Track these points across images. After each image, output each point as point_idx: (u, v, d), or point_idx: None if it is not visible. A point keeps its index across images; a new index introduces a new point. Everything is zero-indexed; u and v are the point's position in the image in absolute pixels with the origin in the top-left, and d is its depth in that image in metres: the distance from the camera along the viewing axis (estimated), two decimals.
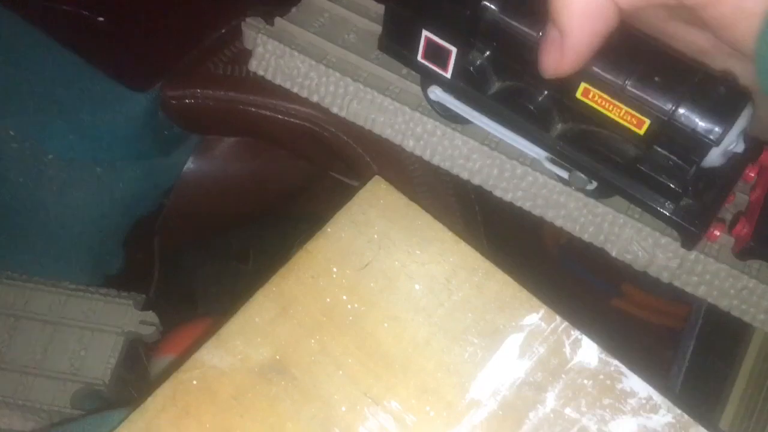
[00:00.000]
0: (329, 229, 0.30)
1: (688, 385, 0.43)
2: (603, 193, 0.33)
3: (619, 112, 0.28)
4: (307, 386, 0.27)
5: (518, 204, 0.36)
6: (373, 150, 0.38)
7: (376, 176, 0.31)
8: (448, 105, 0.33)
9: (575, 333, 0.28)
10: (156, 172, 0.45)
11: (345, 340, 0.28)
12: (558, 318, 0.29)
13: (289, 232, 0.49)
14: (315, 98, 0.38)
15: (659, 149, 0.29)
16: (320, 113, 0.38)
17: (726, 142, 0.27)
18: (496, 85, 0.32)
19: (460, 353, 0.28)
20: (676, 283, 0.34)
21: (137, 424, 0.27)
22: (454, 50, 0.31)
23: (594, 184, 0.32)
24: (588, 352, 0.28)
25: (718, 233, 0.33)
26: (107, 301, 0.42)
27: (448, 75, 0.32)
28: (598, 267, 0.47)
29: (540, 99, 0.31)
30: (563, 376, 0.28)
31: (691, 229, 0.31)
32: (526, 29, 0.29)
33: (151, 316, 0.43)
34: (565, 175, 0.33)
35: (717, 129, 0.27)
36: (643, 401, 0.27)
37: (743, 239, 0.32)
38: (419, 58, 0.32)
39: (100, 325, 0.42)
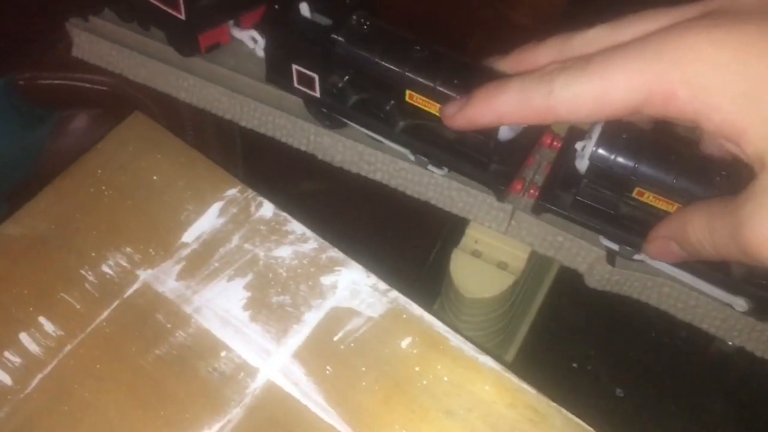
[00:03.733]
0: (99, 145, 0.44)
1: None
2: (438, 166, 0.42)
3: (434, 108, 0.38)
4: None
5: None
6: (158, 102, 0.51)
7: (135, 111, 0.45)
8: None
9: (259, 198, 0.42)
10: (20, 146, 0.58)
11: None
12: (249, 190, 0.42)
13: None
14: (118, 71, 0.51)
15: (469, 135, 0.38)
16: (122, 81, 0.51)
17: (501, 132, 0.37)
18: (353, 98, 0.41)
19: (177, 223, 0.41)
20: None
21: None
22: (316, 76, 0.41)
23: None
24: (266, 208, 0.41)
25: (519, 188, 0.41)
26: None
27: (317, 94, 0.42)
28: None
29: (385, 105, 0.40)
30: (246, 224, 0.41)
31: (498, 187, 0.40)
32: (365, 54, 0.38)
33: None
34: (412, 158, 0.43)
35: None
36: (299, 236, 0.40)
37: (533, 196, 0.41)
38: (295, 84, 0.42)
39: None
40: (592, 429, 0.34)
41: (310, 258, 0.39)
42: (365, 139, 0.44)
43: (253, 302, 0.38)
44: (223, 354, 0.37)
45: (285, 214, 0.41)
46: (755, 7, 0.28)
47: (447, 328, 0.37)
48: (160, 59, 0.50)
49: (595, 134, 0.36)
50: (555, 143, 0.42)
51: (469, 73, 0.37)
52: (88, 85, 0.52)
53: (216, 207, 0.41)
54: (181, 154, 0.43)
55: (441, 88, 0.37)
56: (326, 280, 0.39)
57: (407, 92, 0.38)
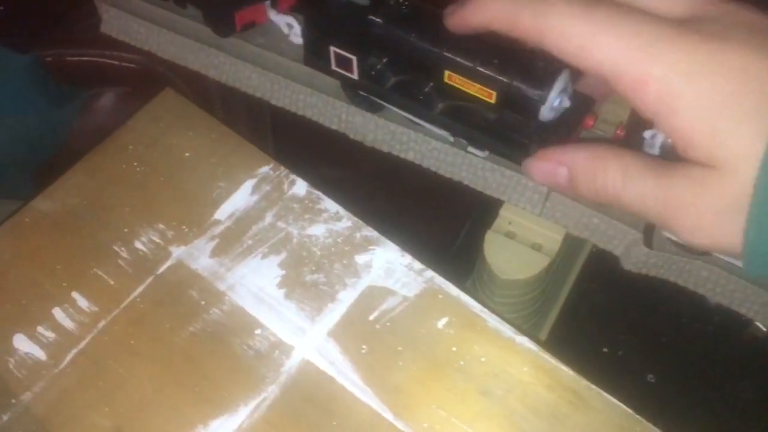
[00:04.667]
0: (130, 122, 0.43)
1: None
2: (479, 148, 0.41)
3: (474, 88, 0.37)
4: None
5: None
6: (187, 80, 0.51)
7: (167, 88, 0.44)
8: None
9: (292, 176, 0.41)
10: (48, 124, 0.58)
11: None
12: (282, 167, 0.41)
13: None
14: (146, 48, 0.51)
15: (508, 111, 0.37)
16: (151, 58, 0.51)
17: (550, 100, 0.35)
18: (391, 80, 0.41)
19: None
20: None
21: None
22: (354, 58, 0.40)
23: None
24: (299, 186, 0.41)
25: None
26: None
27: (355, 76, 0.41)
28: None
29: (423, 87, 0.40)
30: (279, 202, 0.40)
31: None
32: (403, 35, 0.37)
33: None
34: (451, 139, 0.42)
35: (540, 92, 0.35)
36: (333, 214, 0.40)
37: None
38: (333, 66, 0.42)
39: None
40: (632, 412, 0.34)
41: (344, 237, 0.39)
42: (399, 118, 0.43)
43: (288, 280, 0.38)
44: (257, 332, 0.36)
45: (318, 192, 0.41)
46: (744, 24, 0.29)
47: (484, 309, 0.37)
48: (190, 36, 0.49)
49: None
50: (619, 132, 0.40)
51: (510, 53, 0.36)
52: (116, 63, 0.52)
53: (249, 184, 0.41)
54: (212, 130, 0.43)
55: (481, 69, 0.36)
56: (361, 258, 0.38)
57: (446, 73, 0.38)
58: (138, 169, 0.42)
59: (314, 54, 0.42)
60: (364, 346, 0.36)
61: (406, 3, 0.38)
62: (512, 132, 0.38)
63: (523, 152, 0.39)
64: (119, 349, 0.36)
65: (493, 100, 0.36)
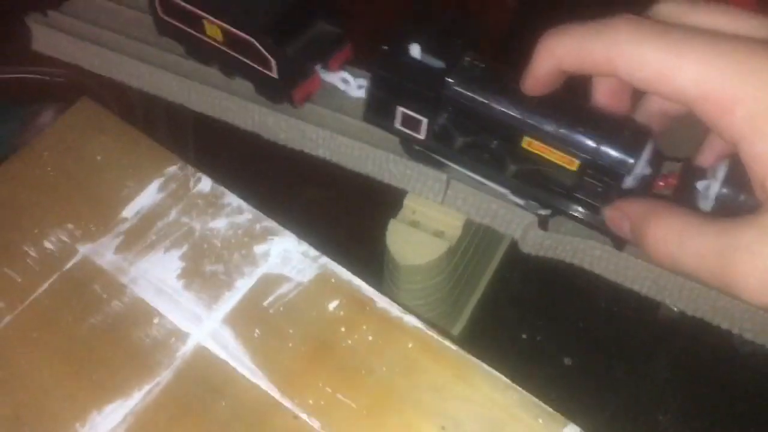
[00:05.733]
0: (48, 130, 0.45)
1: None
2: (553, 212, 0.40)
3: (555, 156, 0.36)
4: None
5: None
6: (112, 90, 0.52)
7: (83, 96, 0.46)
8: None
9: (199, 174, 0.43)
10: None
11: None
12: (189, 166, 0.43)
13: None
14: (74, 62, 0.53)
15: (589, 179, 0.36)
16: (78, 72, 0.53)
17: (636, 171, 0.34)
18: (459, 141, 0.40)
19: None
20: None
21: None
22: (425, 120, 0.39)
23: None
24: (205, 183, 0.42)
25: None
26: None
27: (422, 137, 0.40)
28: None
29: (493, 148, 0.39)
30: (185, 199, 0.42)
31: (618, 236, 0.37)
32: (480, 98, 0.36)
33: None
34: (522, 203, 0.41)
35: (628, 162, 0.34)
36: (235, 207, 0.41)
37: None
38: (397, 125, 0.40)
39: None
40: (511, 382, 0.35)
41: (244, 228, 0.40)
42: (462, 176, 0.42)
43: (188, 272, 0.39)
44: (155, 321, 0.38)
45: (223, 188, 0.42)
46: None
47: (374, 291, 0.38)
48: (115, 49, 0.51)
49: (721, 173, 0.33)
50: (670, 180, 0.37)
51: (593, 119, 0.35)
52: (47, 78, 0.54)
53: (156, 183, 0.42)
54: (125, 134, 0.45)
55: (565, 138, 0.35)
56: (259, 248, 0.40)
57: (525, 139, 0.36)
58: (51, 173, 0.43)
59: (376, 112, 0.41)
60: (257, 331, 0.37)
61: (482, 65, 0.37)
62: (591, 198, 0.37)
63: (597, 215, 0.38)
64: (22, 342, 0.37)
65: (574, 168, 0.36)
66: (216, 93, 0.48)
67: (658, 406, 0.46)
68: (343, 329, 0.37)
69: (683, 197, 0.35)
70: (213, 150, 0.52)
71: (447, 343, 0.36)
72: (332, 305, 0.37)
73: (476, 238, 0.47)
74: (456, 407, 0.34)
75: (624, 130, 0.34)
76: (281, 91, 0.44)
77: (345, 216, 0.54)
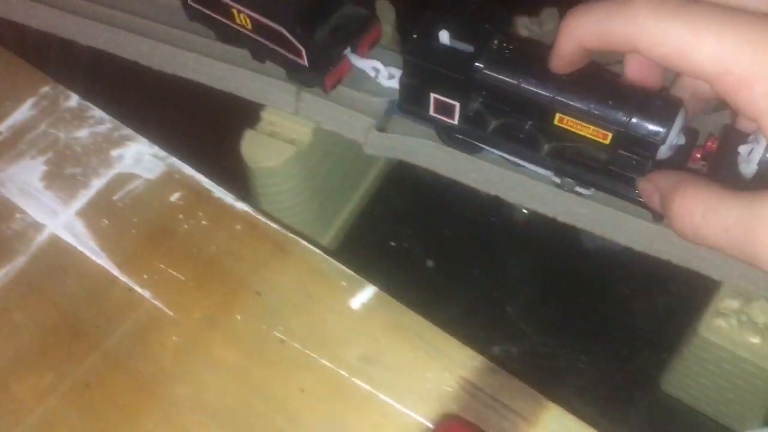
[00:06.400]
0: None
1: None
2: (587, 188, 0.40)
3: (588, 130, 0.36)
4: None
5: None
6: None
7: None
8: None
9: (69, 92, 0.47)
10: None
11: None
12: (60, 86, 0.47)
13: None
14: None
15: (623, 152, 0.36)
16: None
17: (669, 140, 0.35)
18: (493, 123, 0.40)
19: None
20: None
21: None
22: (457, 104, 0.40)
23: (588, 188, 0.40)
24: (73, 100, 0.46)
25: None
26: None
27: (456, 122, 0.41)
28: None
29: (527, 128, 0.39)
30: (54, 114, 0.46)
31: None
32: (510, 79, 0.37)
33: None
34: (558, 180, 0.41)
35: (661, 132, 0.34)
36: (98, 119, 0.45)
37: None
38: (431, 113, 0.41)
39: None
40: (326, 256, 0.39)
41: (104, 136, 0.45)
42: (496, 158, 0.43)
43: (50, 174, 0.43)
44: (17, 216, 0.42)
45: (88, 104, 0.46)
46: None
47: (213, 184, 0.42)
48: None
49: (765, 138, 0.33)
50: (710, 145, 0.37)
51: (622, 93, 0.36)
52: None
53: (30, 102, 0.47)
54: (3, 59, 0.49)
55: (596, 111, 0.36)
56: (115, 152, 0.44)
57: (557, 116, 0.37)
58: None
59: (411, 101, 0.42)
60: (105, 221, 0.41)
61: (510, 47, 0.38)
62: (626, 171, 0.38)
63: (634, 189, 0.38)
64: None
65: (607, 141, 0.36)
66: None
67: (508, 299, 0.49)
68: (180, 216, 0.41)
69: (723, 162, 0.35)
70: (103, 83, 0.56)
71: (272, 224, 0.40)
72: (174, 197, 0.42)
73: (345, 153, 0.51)
74: (272, 277, 0.38)
75: (655, 100, 0.35)
76: (315, 80, 0.44)
77: (208, 130, 0.56)
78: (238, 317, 0.37)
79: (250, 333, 0.37)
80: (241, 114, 0.48)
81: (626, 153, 0.37)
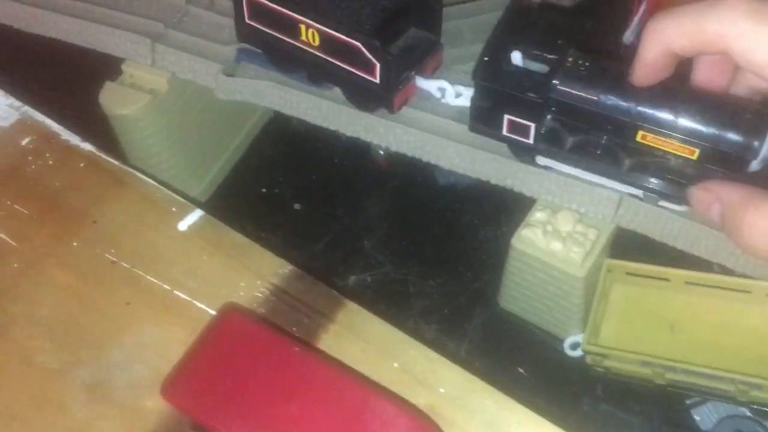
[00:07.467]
0: None
1: None
2: (676, 203, 0.38)
3: (673, 146, 0.35)
4: None
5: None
6: None
7: None
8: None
9: None
10: None
11: None
12: None
13: None
14: None
15: (711, 166, 0.35)
16: None
17: (762, 154, 0.33)
18: (569, 141, 0.39)
19: None
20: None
21: None
22: (532, 125, 0.38)
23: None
24: None
25: None
26: None
27: (531, 141, 0.39)
28: None
29: (605, 144, 0.38)
30: None
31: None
32: (589, 96, 0.36)
33: None
34: (641, 195, 0.39)
35: (754, 146, 0.33)
36: None
37: None
38: (504, 132, 0.40)
39: None
40: (161, 187, 0.42)
41: None
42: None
43: None
44: None
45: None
46: None
47: (62, 128, 0.45)
48: None
49: None
50: None
51: (708, 106, 0.34)
52: None
53: None
54: None
55: (683, 128, 0.35)
56: None
57: (640, 133, 0.36)
58: None
59: (483, 122, 0.41)
60: None
61: (586, 64, 0.37)
62: None
63: None
64: None
65: (694, 157, 0.35)
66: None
67: (366, 234, 0.52)
68: (30, 158, 0.44)
69: None
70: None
71: (116, 163, 0.43)
72: (25, 141, 0.45)
73: (209, 105, 0.54)
74: (109, 206, 0.42)
75: (744, 113, 0.33)
76: (383, 102, 0.43)
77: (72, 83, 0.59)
78: (75, 244, 0.40)
79: (85, 257, 0.40)
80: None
81: (716, 167, 0.35)
